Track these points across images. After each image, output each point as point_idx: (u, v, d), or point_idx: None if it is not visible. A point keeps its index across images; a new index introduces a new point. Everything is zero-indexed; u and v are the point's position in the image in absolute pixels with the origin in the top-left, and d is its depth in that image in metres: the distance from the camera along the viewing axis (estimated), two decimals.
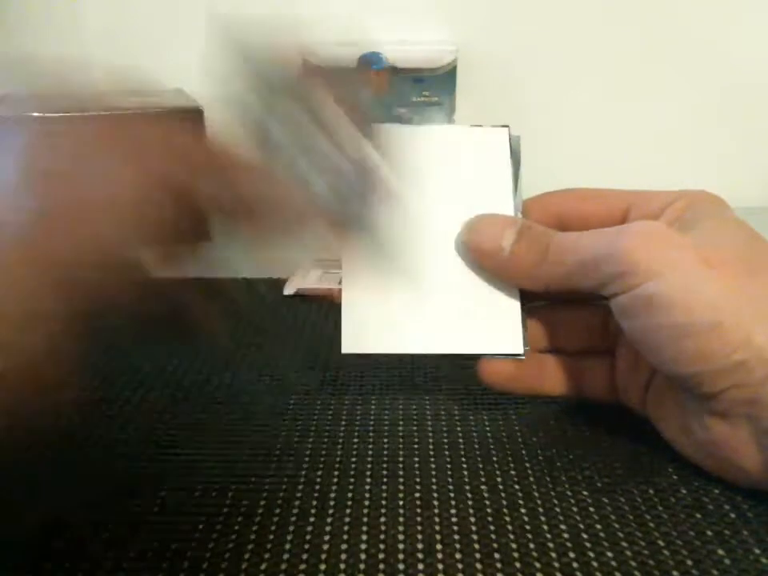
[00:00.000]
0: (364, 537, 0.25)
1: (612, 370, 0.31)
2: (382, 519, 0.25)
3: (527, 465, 0.29)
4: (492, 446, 0.30)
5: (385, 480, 0.28)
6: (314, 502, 0.26)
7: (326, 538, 0.25)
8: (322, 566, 0.23)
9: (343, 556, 0.24)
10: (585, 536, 0.25)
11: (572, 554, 0.24)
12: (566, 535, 0.25)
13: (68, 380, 0.23)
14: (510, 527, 0.25)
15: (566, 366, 0.31)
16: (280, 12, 0.64)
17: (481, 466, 0.29)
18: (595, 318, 0.31)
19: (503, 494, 0.27)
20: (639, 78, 0.67)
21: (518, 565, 0.23)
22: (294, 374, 0.36)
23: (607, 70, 0.66)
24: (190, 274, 0.50)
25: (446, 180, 0.30)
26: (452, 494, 0.27)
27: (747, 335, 0.24)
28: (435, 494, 0.27)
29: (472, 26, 0.65)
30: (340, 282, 0.29)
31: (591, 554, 0.24)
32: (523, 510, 0.26)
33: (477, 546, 0.24)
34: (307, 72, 0.28)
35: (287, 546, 0.24)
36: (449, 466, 0.29)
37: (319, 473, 0.28)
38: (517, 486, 0.27)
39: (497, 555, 0.24)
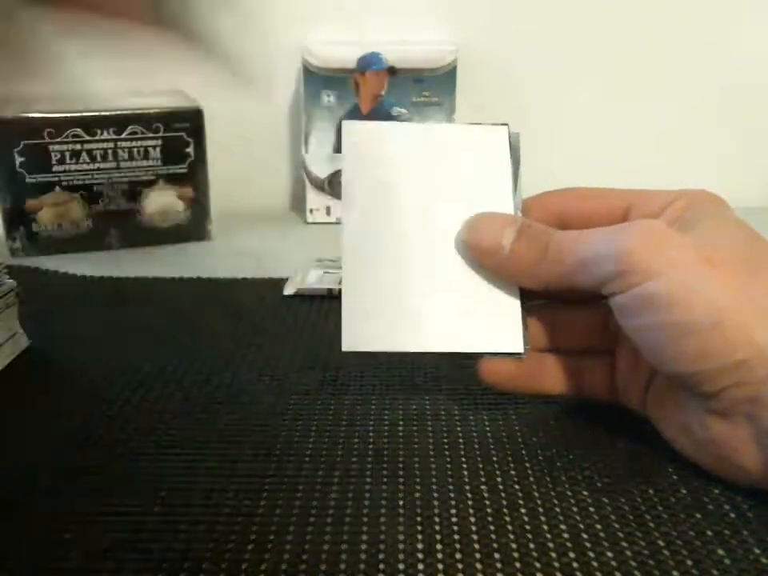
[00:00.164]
0: (364, 537, 0.25)
1: (612, 370, 0.31)
2: (382, 519, 0.25)
3: (527, 465, 0.29)
4: (492, 446, 0.30)
5: (385, 480, 0.28)
6: (315, 502, 0.26)
7: (327, 537, 0.25)
8: (323, 566, 0.23)
9: (343, 556, 0.24)
10: (585, 536, 0.25)
11: (572, 554, 0.24)
12: (566, 535, 0.25)
13: None
14: (509, 527, 0.25)
15: (566, 366, 0.31)
16: (280, 11, 0.64)
17: (481, 465, 0.29)
18: (595, 317, 0.31)
19: (503, 494, 0.27)
20: (639, 77, 0.67)
21: (517, 565, 0.23)
22: (294, 373, 0.36)
23: (607, 69, 0.66)
24: (189, 273, 0.50)
25: (446, 178, 0.30)
26: (452, 494, 0.27)
27: (748, 334, 0.24)
28: (435, 494, 0.27)
29: (472, 26, 0.65)
30: (340, 282, 0.29)
31: (591, 554, 0.24)
32: (523, 510, 0.26)
33: (477, 546, 0.24)
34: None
35: (288, 546, 0.24)
36: (449, 465, 0.29)
37: (320, 473, 0.28)
38: (517, 486, 0.27)
39: (497, 555, 0.24)
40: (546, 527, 0.25)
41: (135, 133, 0.54)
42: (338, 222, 0.62)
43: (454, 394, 0.34)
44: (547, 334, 0.31)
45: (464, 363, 0.36)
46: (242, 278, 0.49)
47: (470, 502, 0.26)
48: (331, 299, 0.45)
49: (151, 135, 0.54)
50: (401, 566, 0.23)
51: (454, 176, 0.30)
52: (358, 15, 0.64)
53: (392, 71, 0.60)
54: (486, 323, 0.29)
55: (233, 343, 0.39)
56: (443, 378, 0.35)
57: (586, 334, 0.32)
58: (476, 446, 0.30)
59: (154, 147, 0.55)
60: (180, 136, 0.55)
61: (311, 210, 0.64)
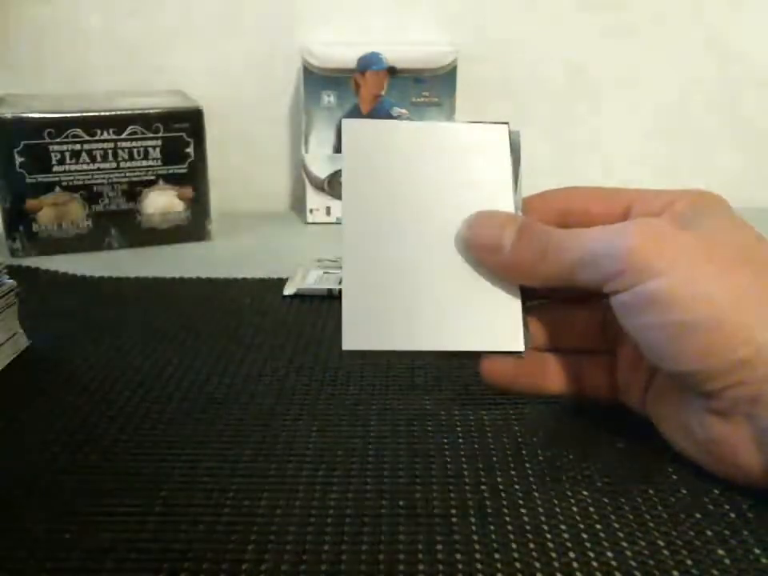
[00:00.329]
0: (364, 537, 0.25)
1: (612, 370, 0.31)
2: (383, 519, 0.25)
3: (527, 465, 0.29)
4: (492, 446, 0.30)
5: (385, 480, 0.28)
6: (315, 502, 0.26)
7: (327, 538, 0.25)
8: (323, 566, 0.23)
9: (344, 556, 0.24)
10: (585, 536, 0.25)
11: (572, 554, 0.24)
12: (566, 535, 0.25)
13: None
14: (509, 527, 0.25)
15: (567, 366, 0.31)
16: (281, 12, 0.64)
17: (481, 466, 0.29)
18: (595, 317, 0.31)
19: (503, 494, 0.27)
20: (639, 77, 0.67)
21: (518, 565, 0.23)
22: (294, 374, 0.36)
23: (607, 69, 0.66)
24: (189, 273, 0.50)
25: (446, 177, 0.30)
26: (452, 494, 0.27)
27: (750, 333, 0.24)
28: (435, 494, 0.27)
29: (472, 26, 0.65)
30: (340, 282, 0.29)
31: (591, 554, 0.24)
32: (523, 510, 0.26)
33: (477, 546, 0.24)
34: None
35: (288, 547, 0.24)
36: (449, 465, 0.29)
37: (320, 473, 0.28)
38: (517, 486, 0.27)
39: (497, 555, 0.24)
40: (545, 527, 0.25)
41: (135, 133, 0.54)
42: (337, 222, 0.63)
43: (454, 394, 0.34)
44: (547, 333, 0.31)
45: (464, 363, 0.36)
46: (242, 278, 0.49)
47: (470, 502, 0.26)
48: (331, 299, 0.45)
49: (151, 135, 0.54)
50: (401, 566, 0.23)
51: (454, 175, 0.30)
52: (358, 15, 0.64)
53: (392, 71, 0.60)
54: (486, 322, 0.29)
55: (233, 343, 0.39)
56: (443, 378, 0.35)
57: (586, 333, 0.32)
58: (476, 446, 0.30)
59: (154, 147, 0.55)
60: (180, 136, 0.55)
61: (311, 210, 0.64)
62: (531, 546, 0.24)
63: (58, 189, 0.53)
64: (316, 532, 0.25)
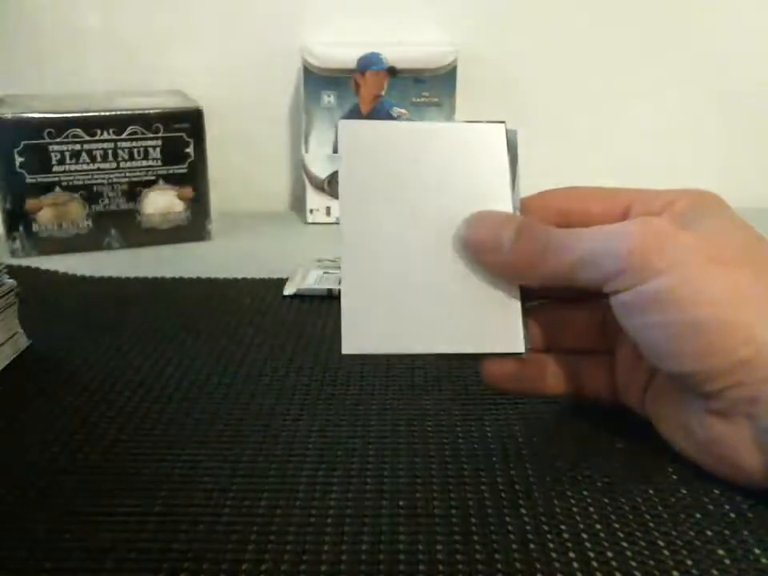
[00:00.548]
0: (365, 537, 0.25)
1: (612, 370, 0.31)
2: (383, 519, 0.25)
3: (527, 465, 0.29)
4: (492, 446, 0.30)
5: (385, 480, 0.28)
6: (315, 502, 0.26)
7: (327, 538, 0.25)
8: (323, 567, 0.23)
9: (344, 556, 0.24)
10: (585, 536, 0.25)
11: (572, 554, 0.24)
12: (566, 535, 0.25)
13: None
14: (510, 527, 0.25)
15: (566, 367, 0.31)
16: (281, 12, 0.64)
17: (481, 466, 0.29)
18: (594, 317, 0.31)
19: (503, 494, 0.27)
20: (639, 77, 0.67)
21: (518, 565, 0.23)
22: (294, 374, 0.36)
23: (607, 69, 0.66)
24: (190, 273, 0.50)
25: (443, 177, 0.30)
26: (452, 494, 0.27)
27: (751, 333, 0.24)
28: (436, 494, 0.27)
29: (472, 26, 0.65)
30: (340, 282, 0.29)
31: (591, 554, 0.24)
32: (523, 511, 0.26)
33: (477, 547, 0.24)
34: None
35: (288, 547, 0.24)
36: (449, 465, 0.29)
37: (320, 473, 0.28)
38: (517, 486, 0.27)
39: (497, 555, 0.24)
40: (545, 527, 0.25)
41: (135, 133, 0.54)
42: (337, 222, 0.63)
43: (454, 394, 0.34)
44: (547, 334, 0.31)
45: (464, 363, 0.36)
46: (242, 277, 0.49)
47: (470, 502, 0.26)
48: (331, 299, 0.45)
49: (151, 135, 0.54)
50: (401, 567, 0.23)
51: (451, 175, 0.30)
52: (358, 15, 0.64)
53: (392, 71, 0.60)
54: (486, 323, 0.29)
55: (233, 343, 0.39)
56: (443, 378, 0.35)
57: (585, 334, 0.32)
58: (476, 446, 0.30)
59: (154, 147, 0.55)
60: (180, 136, 0.55)
61: (311, 210, 0.64)
62: (531, 545, 0.24)
63: (57, 189, 0.53)
64: (316, 532, 0.25)
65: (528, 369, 0.30)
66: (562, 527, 0.25)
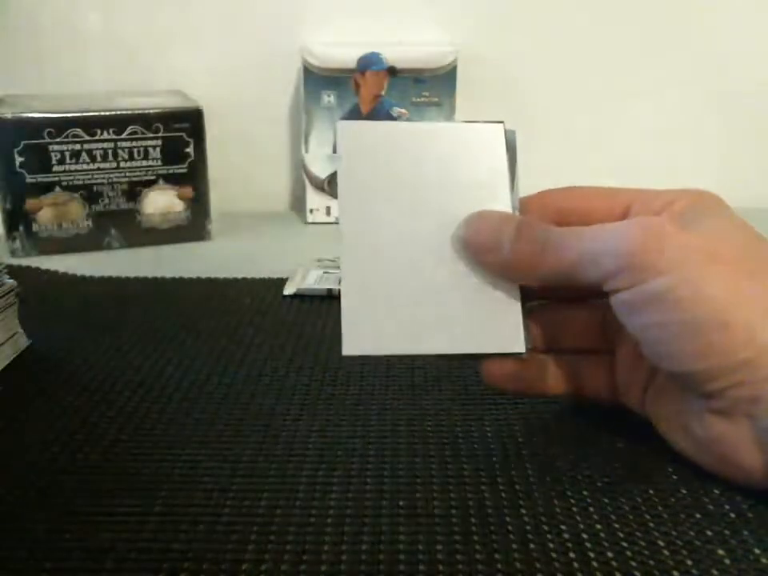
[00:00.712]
0: (365, 537, 0.25)
1: (612, 370, 0.31)
2: (383, 519, 0.25)
3: (527, 465, 0.29)
4: (492, 446, 0.30)
5: (385, 480, 0.28)
6: (315, 502, 0.26)
7: (327, 538, 0.24)
8: (323, 567, 0.23)
9: (344, 556, 0.24)
10: (585, 536, 0.25)
11: (572, 554, 0.24)
12: (566, 535, 0.25)
13: None
14: (509, 527, 0.25)
15: (567, 367, 0.31)
16: (281, 12, 0.64)
17: (481, 465, 0.29)
18: (594, 317, 0.31)
19: (503, 494, 0.27)
20: (639, 76, 0.67)
21: (518, 565, 0.23)
22: (293, 374, 0.36)
23: (607, 69, 0.66)
24: (190, 273, 0.50)
25: (442, 177, 0.30)
26: (452, 494, 0.27)
27: (752, 334, 0.24)
28: (436, 494, 0.27)
29: (472, 26, 0.65)
30: (340, 282, 0.29)
31: (591, 554, 0.24)
32: (523, 510, 0.26)
33: (477, 547, 0.24)
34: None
35: (288, 547, 0.24)
36: (449, 466, 0.29)
37: (320, 472, 0.28)
38: (517, 486, 0.27)
39: (497, 555, 0.24)
40: (546, 527, 0.25)
41: (135, 133, 0.54)
42: (337, 222, 0.63)
43: (454, 394, 0.34)
44: (547, 334, 0.31)
45: (464, 363, 0.36)
46: (242, 277, 0.49)
47: (470, 502, 0.26)
48: (331, 299, 0.45)
49: (151, 135, 0.54)
50: (401, 566, 0.23)
51: (450, 175, 0.30)
52: (358, 15, 0.64)
53: (392, 71, 0.60)
54: (486, 323, 0.29)
55: (233, 343, 0.39)
56: (443, 378, 0.35)
57: (585, 334, 0.32)
58: (476, 446, 0.30)
59: (154, 147, 0.55)
60: (180, 136, 0.55)
61: (311, 210, 0.64)
62: (531, 546, 0.24)
63: (57, 189, 0.53)
64: (316, 532, 0.25)
65: (528, 369, 0.30)
66: (562, 527, 0.25)
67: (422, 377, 0.36)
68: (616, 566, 0.23)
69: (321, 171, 0.63)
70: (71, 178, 0.53)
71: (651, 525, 0.25)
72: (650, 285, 0.25)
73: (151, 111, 0.54)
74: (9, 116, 0.52)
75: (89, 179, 0.54)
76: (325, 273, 0.48)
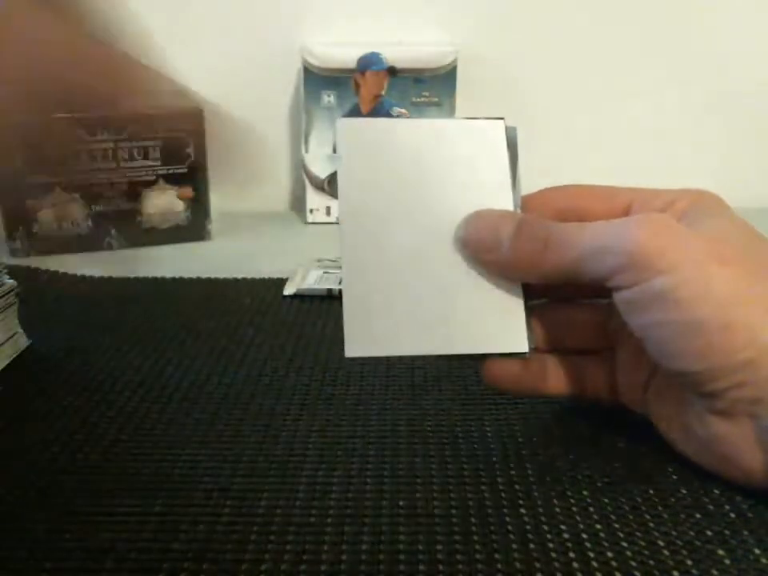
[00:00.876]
0: (365, 537, 0.25)
1: (612, 370, 0.31)
2: (383, 519, 0.25)
3: (527, 465, 0.29)
4: (492, 446, 0.30)
5: (385, 480, 0.28)
6: (315, 502, 0.26)
7: (327, 537, 0.25)
8: (323, 566, 0.23)
9: (344, 556, 0.24)
10: (585, 536, 0.25)
11: (572, 554, 0.24)
12: (566, 535, 0.25)
13: None
14: (510, 527, 0.25)
15: (568, 366, 0.31)
16: (281, 12, 0.64)
17: (481, 466, 0.29)
18: (595, 317, 0.31)
19: (503, 494, 0.27)
20: (639, 76, 0.67)
21: (517, 565, 0.23)
22: (293, 373, 0.36)
23: (607, 69, 0.66)
24: (189, 273, 0.50)
25: (443, 175, 0.29)
26: (452, 494, 0.27)
27: (754, 334, 0.24)
28: (436, 494, 0.27)
29: (472, 26, 0.65)
30: (340, 282, 0.29)
31: (591, 554, 0.24)
32: (523, 510, 0.26)
33: (477, 546, 0.24)
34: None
35: (288, 547, 0.24)
36: (449, 466, 0.29)
37: (320, 472, 0.28)
38: (517, 486, 0.27)
39: (497, 555, 0.24)
40: (546, 527, 0.25)
41: (135, 133, 0.54)
42: (337, 222, 0.62)
43: (454, 394, 0.34)
44: (548, 334, 0.31)
45: (464, 363, 0.36)
46: (242, 277, 0.49)
47: (470, 502, 0.26)
48: (331, 299, 0.45)
49: (151, 135, 0.54)
50: (401, 566, 0.23)
51: (451, 172, 0.30)
52: (358, 15, 0.64)
53: (392, 71, 0.60)
54: (489, 323, 0.28)
55: (233, 343, 0.39)
56: (443, 378, 0.35)
57: (586, 333, 0.32)
58: (476, 446, 0.30)
59: (154, 147, 0.55)
60: (180, 136, 0.55)
61: (311, 210, 0.64)
62: (531, 545, 0.24)
63: (58, 189, 0.53)
64: (316, 532, 0.25)
65: (529, 369, 0.30)
66: (562, 527, 0.25)
67: (422, 377, 0.36)
68: (616, 565, 0.23)
69: (321, 171, 0.63)
70: (71, 178, 0.53)
71: (651, 525, 0.25)
72: (652, 284, 0.25)
73: (151, 111, 0.54)
74: None
75: (89, 179, 0.54)
76: (325, 273, 0.48)
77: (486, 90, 0.66)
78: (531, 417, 0.32)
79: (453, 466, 0.29)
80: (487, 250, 0.28)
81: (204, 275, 0.49)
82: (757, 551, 0.24)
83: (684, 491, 0.27)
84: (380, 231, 0.29)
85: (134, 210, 0.56)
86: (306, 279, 0.47)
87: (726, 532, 0.25)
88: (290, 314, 0.44)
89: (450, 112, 0.62)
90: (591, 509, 0.26)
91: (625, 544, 0.24)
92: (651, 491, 0.27)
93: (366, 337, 0.28)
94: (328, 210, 0.64)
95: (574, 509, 0.26)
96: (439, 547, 0.24)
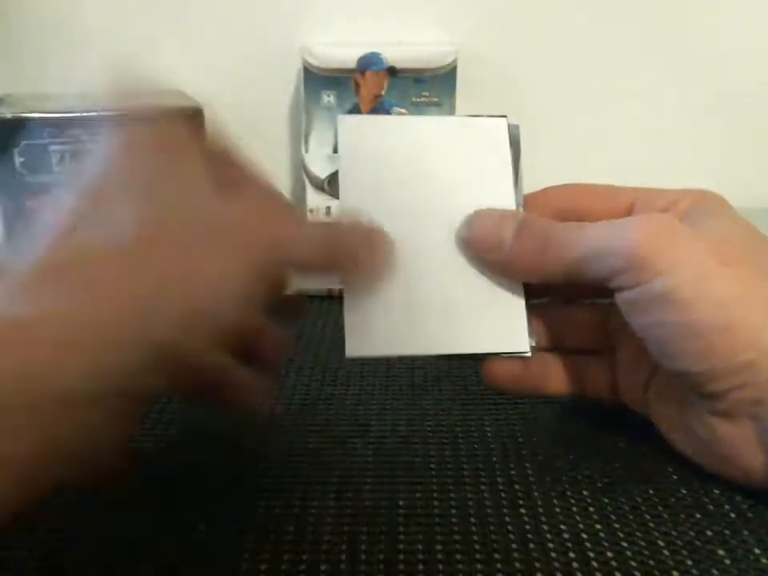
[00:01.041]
0: (364, 537, 0.25)
1: (613, 370, 0.31)
2: (382, 519, 0.25)
3: (527, 465, 0.29)
4: (492, 446, 0.30)
5: (385, 480, 0.28)
6: (314, 502, 0.26)
7: (326, 537, 0.24)
8: (323, 566, 0.23)
9: (343, 556, 0.24)
10: (585, 536, 0.25)
11: (572, 554, 0.24)
12: (566, 535, 0.25)
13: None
14: (510, 527, 0.25)
15: (568, 366, 0.31)
16: (281, 12, 0.64)
17: (481, 466, 0.29)
18: (596, 316, 0.31)
19: (503, 494, 0.27)
20: (639, 76, 0.67)
21: (517, 565, 0.23)
22: (293, 373, 0.36)
23: (607, 69, 0.66)
24: None
25: (445, 173, 0.29)
26: (452, 494, 0.27)
27: (756, 335, 0.24)
28: (435, 494, 0.27)
29: (472, 26, 0.65)
30: (340, 282, 0.29)
31: (591, 554, 0.24)
32: (523, 510, 0.26)
33: (477, 546, 0.24)
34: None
35: (287, 546, 0.24)
36: (449, 465, 0.29)
37: (319, 473, 0.28)
38: (517, 486, 0.27)
39: (497, 555, 0.24)
40: (546, 527, 0.25)
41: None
42: None
43: (454, 394, 0.34)
44: (549, 333, 0.31)
45: (464, 363, 0.36)
46: None
47: (470, 502, 0.26)
48: (331, 299, 0.45)
49: None
50: (401, 566, 0.23)
51: (453, 170, 0.29)
52: (358, 15, 0.64)
53: (392, 71, 0.60)
54: (490, 324, 0.28)
55: None
56: (443, 378, 0.35)
57: (587, 333, 0.32)
58: (476, 446, 0.30)
59: None
60: None
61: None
62: (531, 545, 0.24)
63: None
64: (315, 532, 0.25)
65: (530, 369, 0.30)
66: (562, 527, 0.25)
67: (422, 377, 0.36)
68: (616, 565, 0.23)
69: (321, 171, 0.63)
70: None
71: (651, 525, 0.25)
72: (653, 284, 0.25)
73: (151, 110, 0.54)
74: (9, 116, 0.51)
75: None
76: None
77: (486, 89, 0.66)
78: (531, 417, 0.32)
79: (452, 466, 0.28)
80: (489, 249, 0.28)
81: None
82: (757, 551, 0.24)
83: (684, 491, 0.27)
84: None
85: None
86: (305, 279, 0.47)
87: (726, 532, 0.25)
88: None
89: (450, 112, 0.61)
90: (591, 509, 0.26)
91: (625, 544, 0.24)
92: (651, 491, 0.27)
93: (366, 337, 0.27)
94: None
95: (574, 509, 0.26)
96: (439, 547, 0.24)
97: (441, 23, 0.64)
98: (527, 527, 0.25)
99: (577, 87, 0.67)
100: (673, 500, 0.26)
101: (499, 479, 0.28)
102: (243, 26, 0.64)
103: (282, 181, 0.69)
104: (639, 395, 0.30)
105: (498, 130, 0.30)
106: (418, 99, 0.61)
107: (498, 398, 0.33)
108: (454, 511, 0.26)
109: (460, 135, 0.30)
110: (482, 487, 0.27)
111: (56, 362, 0.18)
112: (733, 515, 0.26)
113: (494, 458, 0.29)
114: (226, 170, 0.28)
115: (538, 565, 0.23)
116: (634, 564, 0.23)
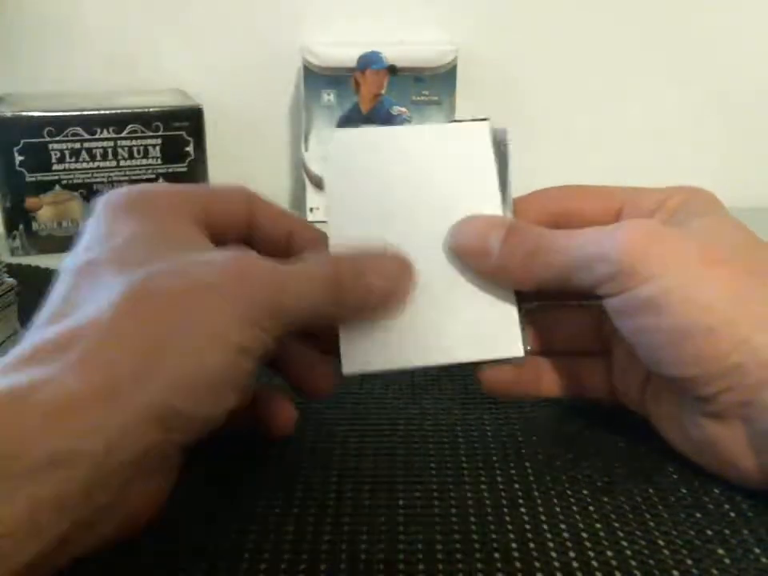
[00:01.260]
0: (364, 537, 0.25)
1: (608, 371, 0.31)
2: (382, 519, 0.25)
3: (527, 465, 0.29)
4: (492, 446, 0.30)
5: (385, 480, 0.28)
6: (314, 502, 0.26)
7: (326, 537, 0.24)
8: (322, 566, 0.23)
9: (343, 556, 0.24)
10: (585, 536, 0.25)
11: (572, 554, 0.24)
12: (566, 535, 0.25)
13: None
14: (510, 527, 0.25)
15: (564, 369, 0.31)
16: (281, 12, 0.64)
17: (481, 465, 0.29)
18: (589, 319, 0.31)
19: (503, 494, 0.27)
20: (639, 76, 0.67)
21: (518, 564, 0.23)
22: None
23: (607, 69, 0.66)
24: None
25: (430, 182, 0.29)
26: (452, 494, 0.27)
27: (744, 338, 0.24)
28: (435, 494, 0.27)
29: (472, 26, 0.65)
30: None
31: (591, 554, 0.24)
32: (523, 510, 0.26)
33: (477, 546, 0.24)
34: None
35: (287, 546, 0.24)
36: (449, 465, 0.29)
37: (319, 472, 0.28)
38: (517, 486, 0.27)
39: (497, 555, 0.24)
40: (545, 527, 0.25)
41: (135, 132, 0.54)
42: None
43: (454, 394, 0.34)
44: (543, 336, 0.31)
45: (462, 364, 0.36)
46: None
47: (470, 502, 0.26)
48: None
49: (151, 134, 0.54)
50: (401, 566, 0.23)
51: (439, 179, 0.29)
52: (358, 15, 0.64)
53: (392, 70, 0.60)
54: (483, 330, 0.28)
55: None
56: (443, 378, 0.35)
57: (581, 335, 0.31)
58: (476, 446, 0.30)
59: (154, 146, 0.55)
60: (180, 135, 0.55)
61: (311, 209, 0.64)
62: (531, 545, 0.24)
63: (57, 187, 0.53)
64: (314, 532, 0.25)
65: (525, 373, 0.30)
66: (562, 527, 0.25)
67: (422, 377, 0.36)
68: (616, 565, 0.23)
69: (321, 170, 0.63)
70: (71, 176, 0.53)
71: (651, 524, 0.25)
72: (638, 291, 0.25)
73: (151, 110, 0.54)
74: (9, 115, 0.51)
75: (89, 178, 0.54)
76: None
77: (486, 89, 0.66)
78: (531, 417, 0.32)
79: (452, 466, 0.28)
80: (477, 257, 0.28)
81: None
82: (757, 551, 0.24)
83: (684, 490, 0.27)
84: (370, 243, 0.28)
85: None
86: None
87: (726, 531, 0.25)
88: None
89: (450, 111, 0.62)
90: (591, 508, 0.26)
91: (625, 544, 0.24)
92: (651, 491, 0.27)
93: (361, 352, 0.27)
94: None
95: (574, 508, 0.26)
96: (438, 547, 0.24)
97: (441, 23, 0.65)
98: (527, 527, 0.25)
99: (577, 87, 0.67)
100: (673, 499, 0.26)
101: (499, 479, 0.28)
102: (243, 26, 0.64)
103: (281, 180, 0.69)
104: (637, 396, 0.30)
105: (481, 133, 0.30)
106: (418, 98, 0.61)
107: (498, 398, 0.33)
108: (453, 511, 0.26)
109: (444, 142, 0.29)
110: (482, 487, 0.27)
111: (47, 426, 0.19)
112: (733, 515, 0.26)
113: (494, 458, 0.29)
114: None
115: (537, 564, 0.23)
116: (633, 564, 0.23)
